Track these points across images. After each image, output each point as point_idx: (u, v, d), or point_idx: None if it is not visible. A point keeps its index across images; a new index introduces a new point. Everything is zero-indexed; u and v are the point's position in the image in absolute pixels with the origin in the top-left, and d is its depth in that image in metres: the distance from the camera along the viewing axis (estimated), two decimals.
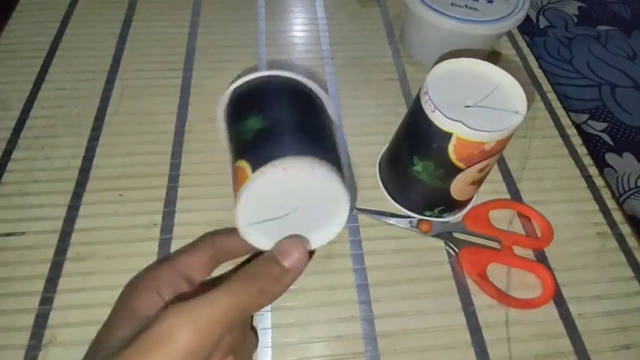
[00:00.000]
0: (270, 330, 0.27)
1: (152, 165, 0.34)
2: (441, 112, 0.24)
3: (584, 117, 0.80)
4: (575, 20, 0.99)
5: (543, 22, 0.99)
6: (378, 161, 0.35)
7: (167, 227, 0.31)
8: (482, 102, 0.26)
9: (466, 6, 0.37)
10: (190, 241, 0.29)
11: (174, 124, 0.36)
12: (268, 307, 0.28)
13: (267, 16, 0.46)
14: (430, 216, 0.32)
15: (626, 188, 0.70)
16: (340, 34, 0.45)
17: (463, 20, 0.36)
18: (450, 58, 0.27)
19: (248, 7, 0.47)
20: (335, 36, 0.44)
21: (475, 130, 0.24)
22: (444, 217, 0.32)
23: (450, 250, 0.30)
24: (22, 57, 0.40)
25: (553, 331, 0.28)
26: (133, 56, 0.41)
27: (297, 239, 0.23)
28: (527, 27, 0.98)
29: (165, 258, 0.22)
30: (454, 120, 0.24)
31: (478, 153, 0.25)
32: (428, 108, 0.25)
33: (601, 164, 0.73)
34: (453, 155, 0.26)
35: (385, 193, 0.33)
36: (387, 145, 0.34)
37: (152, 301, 0.20)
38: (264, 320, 0.27)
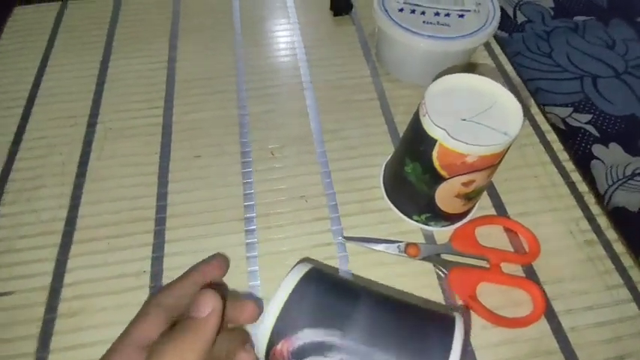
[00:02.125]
0: None
1: (138, 209, 0.34)
2: (429, 117, 0.25)
3: (569, 110, 0.80)
4: (552, 13, 1.00)
5: (521, 18, 1.00)
6: (384, 164, 0.36)
7: (156, 273, 0.31)
8: (477, 117, 0.26)
9: (438, 22, 0.38)
10: None
11: (157, 164, 0.36)
12: None
13: (244, 43, 0.46)
14: (418, 221, 0.33)
15: (615, 179, 0.70)
16: (318, 57, 0.45)
17: (436, 38, 0.37)
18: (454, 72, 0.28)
19: (224, 36, 0.47)
20: (313, 59, 0.45)
21: (456, 140, 0.25)
22: (430, 225, 0.32)
23: (440, 273, 0.31)
24: (1, 107, 0.40)
25: (547, 347, 0.28)
26: (113, 96, 0.41)
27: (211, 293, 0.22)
28: (505, 24, 0.98)
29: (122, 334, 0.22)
30: (439, 127, 0.25)
31: (460, 164, 0.26)
32: (421, 111, 0.27)
33: (588, 157, 0.74)
34: (436, 161, 0.26)
35: (384, 193, 0.34)
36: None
37: None
38: None
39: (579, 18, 0.98)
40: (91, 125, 0.39)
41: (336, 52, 0.46)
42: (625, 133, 0.77)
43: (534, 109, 0.42)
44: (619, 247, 0.33)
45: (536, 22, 0.97)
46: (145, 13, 0.49)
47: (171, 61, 0.44)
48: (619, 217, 0.65)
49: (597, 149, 0.75)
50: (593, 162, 0.73)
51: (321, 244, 0.32)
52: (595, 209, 0.35)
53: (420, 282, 0.31)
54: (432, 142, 0.26)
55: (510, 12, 1.00)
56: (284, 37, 0.47)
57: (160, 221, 0.33)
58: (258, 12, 0.49)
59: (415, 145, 0.28)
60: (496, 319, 0.29)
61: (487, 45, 0.47)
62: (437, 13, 0.38)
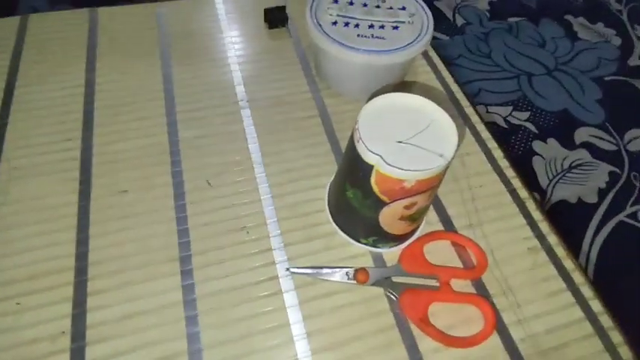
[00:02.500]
0: None
1: (54, 259, 0.30)
2: (363, 143, 0.24)
3: (509, 109, 0.84)
4: (488, 15, 1.04)
5: (460, 20, 1.04)
6: (328, 185, 0.35)
7: (78, 333, 0.27)
8: (413, 139, 0.25)
9: (372, 35, 0.37)
10: (107, 343, 0.26)
11: (75, 204, 0.32)
12: None
13: (172, 61, 0.43)
14: (366, 244, 0.31)
15: (554, 173, 0.74)
16: (254, 72, 0.43)
17: (372, 52, 0.36)
18: (389, 91, 0.27)
19: (150, 54, 0.43)
20: (248, 75, 0.42)
21: (392, 166, 0.24)
22: (379, 247, 0.31)
23: (391, 297, 0.30)
24: None
25: None
26: (19, 130, 0.36)
27: None
28: (446, 27, 1.01)
29: None
30: (374, 153, 0.24)
31: (399, 189, 0.25)
32: (355, 137, 0.25)
33: (529, 154, 0.77)
34: (375, 187, 0.25)
35: (329, 216, 0.33)
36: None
37: None
38: None
39: (513, 19, 1.04)
40: None
41: (273, 67, 0.43)
42: (560, 128, 0.81)
43: (474, 118, 0.42)
44: (560, 252, 0.33)
45: (474, 24, 1.01)
46: (58, 32, 0.44)
47: (89, 85, 0.40)
48: (561, 210, 0.69)
49: (537, 145, 0.79)
50: (534, 158, 0.76)
51: (265, 278, 0.30)
52: (536, 215, 0.35)
53: (371, 309, 0.29)
54: (368, 168, 0.25)
55: (450, 15, 1.04)
56: (216, 53, 0.44)
57: (81, 271, 0.29)
58: (187, 26, 0.46)
59: (353, 171, 0.26)
60: (448, 340, 0.28)
61: (424, 53, 0.47)
62: (371, 26, 0.38)
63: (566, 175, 0.74)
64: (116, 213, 0.32)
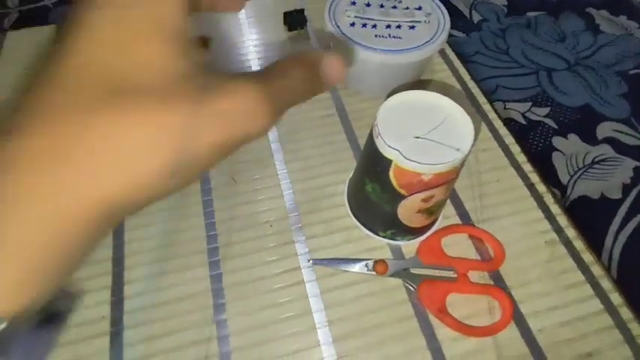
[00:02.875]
0: None
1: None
2: (382, 138, 0.25)
3: (528, 105, 0.83)
4: (506, 11, 1.03)
5: (476, 17, 1.03)
6: (348, 181, 0.36)
7: (117, 318, 0.29)
8: (429, 134, 0.26)
9: (390, 35, 0.38)
10: (142, 328, 0.28)
11: None
12: None
13: None
14: (384, 237, 0.32)
15: (576, 169, 0.73)
16: None
17: (389, 52, 0.37)
18: (407, 89, 0.28)
19: None
20: None
21: (410, 160, 0.25)
22: (397, 240, 0.32)
23: (410, 287, 0.31)
24: None
25: (517, 352, 0.28)
26: None
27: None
28: (462, 24, 1.01)
29: None
30: (393, 148, 0.25)
31: (417, 182, 0.26)
32: (374, 133, 0.26)
33: (549, 149, 0.76)
34: (394, 181, 0.27)
35: (349, 211, 0.34)
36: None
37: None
38: None
39: (531, 14, 1.02)
40: None
41: None
42: (581, 124, 0.80)
43: (492, 115, 0.42)
44: (579, 245, 0.33)
45: (491, 21, 1.00)
46: None
47: None
48: (582, 206, 0.68)
49: (557, 141, 0.78)
50: (554, 154, 0.75)
51: (288, 269, 0.32)
52: (554, 209, 0.35)
53: (390, 299, 0.30)
54: (387, 162, 0.26)
55: (466, 12, 1.03)
56: (237, 55, 0.46)
57: (118, 262, 0.32)
58: (209, 31, 0.48)
59: (372, 165, 0.28)
60: (466, 329, 0.29)
61: (441, 51, 0.48)
62: (388, 26, 0.39)
63: (588, 170, 0.73)
64: (149, 208, 0.34)
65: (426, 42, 0.37)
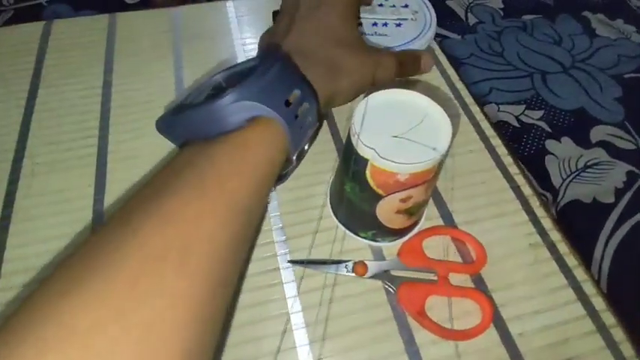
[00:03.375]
0: None
1: (72, 247, 0.32)
2: (358, 137, 0.25)
3: (521, 108, 0.83)
4: (502, 13, 1.03)
5: (472, 19, 1.03)
6: (330, 181, 0.35)
7: None
8: (407, 133, 0.26)
9: (376, 33, 0.38)
10: None
11: (91, 197, 0.34)
12: None
13: (185, 64, 0.45)
14: (365, 238, 0.32)
15: (569, 172, 0.73)
16: None
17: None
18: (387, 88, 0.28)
19: (164, 56, 0.45)
20: None
21: (385, 159, 0.24)
22: (378, 241, 0.32)
23: (389, 289, 0.30)
24: None
25: (496, 356, 0.28)
26: (42, 128, 0.39)
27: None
28: (457, 26, 1.01)
29: None
30: (368, 147, 0.25)
31: (393, 183, 0.26)
32: (351, 131, 0.26)
33: (542, 153, 0.76)
34: (370, 181, 0.26)
35: (331, 211, 0.34)
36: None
37: None
38: None
39: (528, 17, 1.02)
40: (17, 161, 0.36)
41: None
42: (575, 127, 0.80)
43: (479, 116, 0.42)
44: (563, 248, 0.33)
45: (487, 23, 1.00)
46: (79, 37, 0.46)
47: (107, 87, 0.42)
48: (574, 210, 0.67)
49: (550, 144, 0.77)
50: (548, 157, 0.75)
51: (266, 270, 0.31)
52: (540, 212, 0.35)
53: (369, 301, 0.30)
54: (364, 161, 0.25)
55: (462, 15, 1.03)
56: (227, 54, 0.46)
57: None
58: (200, 31, 0.48)
59: (350, 164, 0.27)
60: (445, 332, 0.28)
61: (432, 53, 0.47)
62: (374, 24, 0.39)
63: (581, 174, 0.72)
64: None
65: (413, 39, 0.38)
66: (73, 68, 0.43)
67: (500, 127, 0.42)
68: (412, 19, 0.39)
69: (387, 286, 0.30)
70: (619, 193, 0.70)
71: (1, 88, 0.41)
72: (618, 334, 0.29)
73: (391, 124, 0.26)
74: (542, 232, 0.34)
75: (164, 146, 0.38)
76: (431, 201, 0.35)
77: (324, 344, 0.28)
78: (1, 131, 0.38)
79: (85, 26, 0.48)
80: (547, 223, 0.34)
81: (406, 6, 0.40)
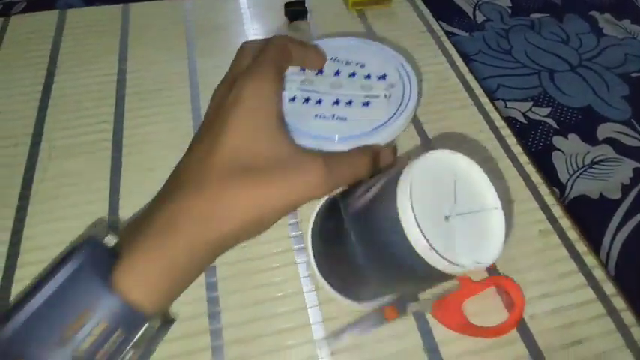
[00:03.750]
0: None
1: (89, 227, 0.32)
2: (436, 251, 0.19)
3: (528, 105, 0.83)
4: (510, 12, 1.03)
5: (480, 17, 1.03)
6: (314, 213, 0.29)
7: None
8: (459, 208, 0.22)
9: (333, 116, 0.27)
10: None
11: (108, 180, 0.35)
12: None
13: (197, 53, 0.45)
14: None
15: (575, 168, 0.73)
16: None
17: (321, 138, 0.26)
18: None
19: (177, 46, 0.46)
20: None
21: (441, 257, 0.20)
22: None
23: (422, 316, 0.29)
24: None
25: (508, 337, 0.28)
26: (58, 113, 0.39)
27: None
28: (465, 23, 1.01)
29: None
30: (452, 263, 0.20)
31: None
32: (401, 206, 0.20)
33: (549, 149, 0.76)
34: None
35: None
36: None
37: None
38: None
39: (535, 15, 1.02)
40: (35, 145, 0.37)
41: None
42: (582, 124, 0.80)
43: (489, 107, 0.42)
44: (572, 235, 0.33)
45: (495, 21, 1.00)
46: (93, 26, 0.47)
47: (121, 74, 0.43)
48: (581, 205, 0.68)
49: (557, 141, 0.78)
50: (554, 153, 0.75)
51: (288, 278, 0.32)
52: (549, 200, 0.35)
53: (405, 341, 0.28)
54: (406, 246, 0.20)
55: (470, 12, 1.04)
56: (238, 45, 0.46)
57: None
58: (212, 21, 0.49)
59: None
60: (490, 331, 0.28)
61: (443, 49, 0.48)
62: (336, 102, 0.28)
63: (588, 170, 0.73)
64: (144, 188, 0.34)
65: (375, 128, 0.27)
66: (89, 56, 0.44)
67: (506, 122, 0.42)
68: (386, 95, 0.28)
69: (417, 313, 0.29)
70: (625, 190, 0.70)
71: (17, 75, 0.42)
72: (627, 317, 0.29)
73: (436, 199, 0.22)
74: (551, 219, 0.34)
75: (178, 132, 0.39)
76: None
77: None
78: (19, 115, 0.39)
79: (99, 15, 0.48)
80: (557, 210, 0.35)
81: (384, 77, 0.29)
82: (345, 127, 0.27)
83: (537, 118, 0.81)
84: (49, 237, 0.32)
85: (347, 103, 0.28)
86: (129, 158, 0.37)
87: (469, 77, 0.45)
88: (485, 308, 0.29)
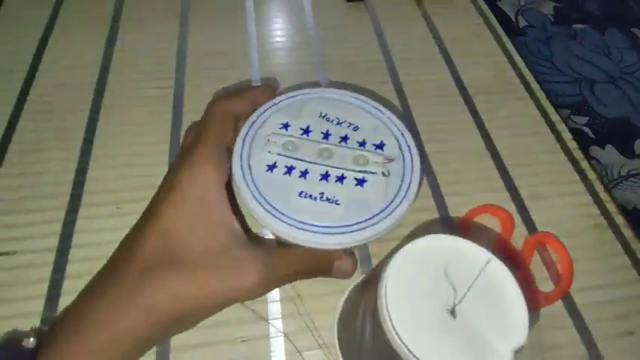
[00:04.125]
0: None
1: (150, 176, 0.33)
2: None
3: (566, 112, 0.83)
4: (552, 19, 1.03)
5: (522, 22, 1.03)
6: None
7: None
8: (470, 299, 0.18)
9: (321, 196, 0.22)
10: None
11: (169, 133, 0.36)
12: None
13: (256, 22, 0.46)
14: None
15: (611, 179, 0.72)
16: (330, 38, 0.45)
17: (308, 229, 0.21)
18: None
19: (237, 14, 0.46)
20: (325, 40, 0.45)
21: None
22: None
23: None
24: (4, 70, 0.39)
25: (560, 323, 0.28)
26: (121, 67, 0.40)
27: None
28: (507, 27, 1.00)
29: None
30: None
31: None
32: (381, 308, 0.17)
33: (585, 158, 0.76)
34: None
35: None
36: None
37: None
38: None
39: (578, 26, 1.01)
40: (98, 93, 0.38)
41: (349, 35, 0.46)
42: (620, 136, 0.79)
43: (545, 102, 0.42)
44: (627, 232, 0.33)
45: (537, 28, 1.00)
46: None
47: (183, 36, 0.43)
48: (623, 216, 0.67)
49: (594, 150, 0.77)
50: (591, 162, 0.75)
51: None
52: (604, 196, 0.35)
53: None
54: None
55: (512, 16, 1.03)
56: (296, 16, 0.47)
57: None
58: None
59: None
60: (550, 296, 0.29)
61: (496, 35, 0.48)
62: (325, 175, 0.23)
63: (623, 182, 0.72)
64: None
65: (375, 215, 0.22)
66: (151, 19, 0.45)
67: (557, 110, 0.42)
68: (384, 173, 0.23)
69: None
70: None
71: (80, 30, 0.43)
72: None
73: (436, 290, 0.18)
74: (606, 215, 0.34)
75: None
76: (495, 174, 0.36)
77: None
78: (84, 64, 0.40)
79: None
80: (612, 207, 0.35)
81: (381, 146, 0.24)
82: (336, 213, 0.21)
83: (575, 126, 0.81)
84: (111, 182, 0.32)
85: (338, 179, 0.23)
86: (189, 115, 0.37)
87: (525, 71, 0.45)
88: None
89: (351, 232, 0.21)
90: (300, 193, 0.22)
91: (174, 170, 0.22)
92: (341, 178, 0.23)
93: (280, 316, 0.27)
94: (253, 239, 0.21)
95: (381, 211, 0.22)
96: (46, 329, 0.20)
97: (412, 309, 0.17)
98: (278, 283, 0.21)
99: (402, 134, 0.25)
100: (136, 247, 0.20)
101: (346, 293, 0.27)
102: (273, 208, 0.21)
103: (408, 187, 0.23)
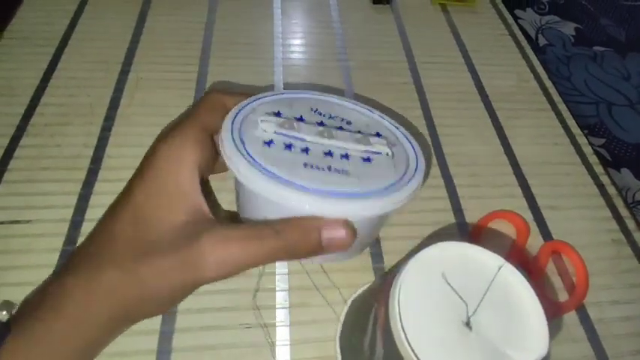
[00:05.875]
0: None
1: None
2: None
3: (583, 132, 0.82)
4: (573, 40, 1.02)
5: (542, 41, 1.03)
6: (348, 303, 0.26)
7: None
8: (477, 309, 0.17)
9: (329, 168, 0.20)
10: None
11: None
12: None
13: (284, 17, 0.46)
14: None
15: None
16: (354, 37, 0.45)
17: (321, 195, 0.19)
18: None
19: (264, 6, 0.47)
20: (349, 39, 0.45)
21: None
22: None
23: None
24: (33, 44, 0.39)
25: (574, 335, 0.28)
26: (147, 49, 0.41)
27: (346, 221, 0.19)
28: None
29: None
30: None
31: None
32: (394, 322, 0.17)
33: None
34: None
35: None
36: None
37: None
38: None
39: (598, 48, 1.01)
40: (124, 72, 0.38)
41: (373, 35, 0.46)
42: (636, 160, 0.78)
43: (566, 114, 0.42)
44: None
45: (557, 47, 0.99)
46: None
47: (209, 24, 0.44)
48: None
49: (610, 173, 0.76)
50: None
51: None
52: (623, 211, 0.35)
53: None
54: None
55: (533, 34, 1.03)
56: (321, 14, 0.47)
57: None
58: None
59: None
60: (565, 306, 0.28)
61: (518, 43, 0.48)
62: (328, 153, 0.21)
63: (638, 206, 0.71)
64: None
65: (392, 184, 0.20)
66: (179, 4, 0.45)
67: (578, 123, 0.41)
68: (388, 153, 0.22)
69: None
70: None
71: (112, 10, 0.44)
72: None
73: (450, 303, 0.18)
74: (625, 231, 0.33)
75: (260, 84, 0.39)
76: (513, 180, 0.35)
77: None
78: (111, 44, 0.40)
79: None
80: (631, 223, 0.34)
81: (378, 135, 0.23)
82: (349, 182, 0.20)
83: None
84: (129, 159, 0.32)
85: (343, 157, 0.21)
86: None
87: (548, 84, 0.44)
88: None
89: (369, 200, 0.19)
90: (305, 165, 0.20)
91: (153, 145, 0.21)
92: (345, 156, 0.21)
93: (288, 305, 0.27)
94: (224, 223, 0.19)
95: (397, 181, 0.21)
96: (16, 304, 0.19)
97: (427, 323, 0.17)
98: (240, 269, 0.19)
99: (397, 128, 0.24)
100: (108, 225, 0.20)
101: (349, 302, 0.27)
102: (276, 177, 0.19)
103: (416, 165, 0.22)
